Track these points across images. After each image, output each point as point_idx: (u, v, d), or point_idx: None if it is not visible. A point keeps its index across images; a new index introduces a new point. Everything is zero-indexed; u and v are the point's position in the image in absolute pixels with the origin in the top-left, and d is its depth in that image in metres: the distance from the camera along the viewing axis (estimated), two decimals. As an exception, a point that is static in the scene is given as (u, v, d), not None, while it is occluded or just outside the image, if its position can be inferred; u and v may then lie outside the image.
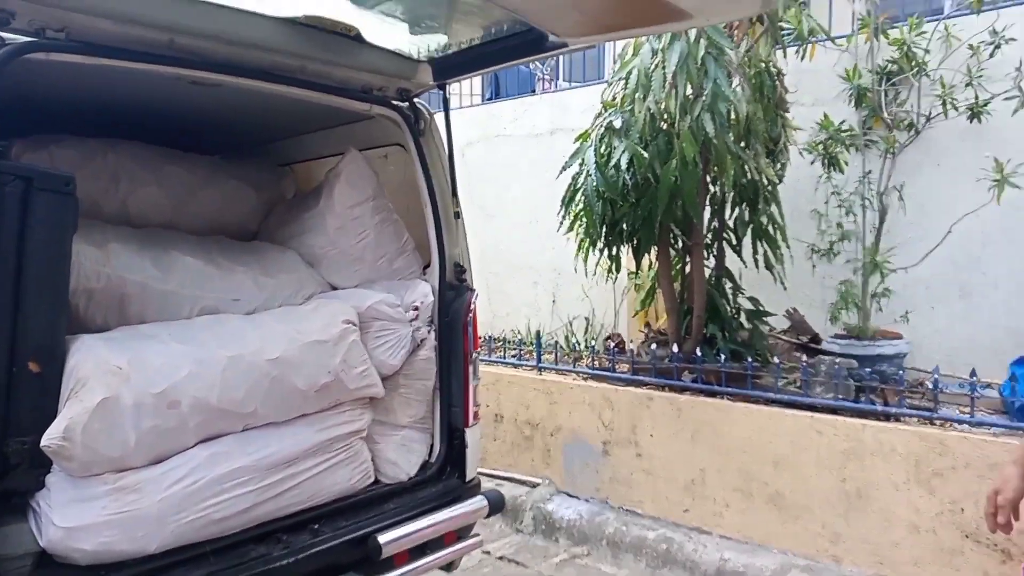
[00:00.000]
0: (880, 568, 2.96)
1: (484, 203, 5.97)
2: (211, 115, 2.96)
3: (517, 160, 5.92)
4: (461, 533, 2.67)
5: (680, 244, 4.06)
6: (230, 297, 2.46)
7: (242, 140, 3.60)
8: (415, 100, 2.82)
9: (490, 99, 6.88)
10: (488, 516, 2.78)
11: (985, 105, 3.72)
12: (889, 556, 2.95)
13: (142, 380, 1.91)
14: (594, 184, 3.43)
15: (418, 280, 2.85)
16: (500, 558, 3.57)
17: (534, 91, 6.71)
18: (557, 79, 6.91)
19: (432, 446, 2.82)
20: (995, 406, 3.25)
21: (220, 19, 2.13)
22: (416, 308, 2.74)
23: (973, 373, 2.97)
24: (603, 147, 3.49)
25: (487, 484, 2.91)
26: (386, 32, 2.50)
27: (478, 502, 2.67)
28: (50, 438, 1.75)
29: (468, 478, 2.79)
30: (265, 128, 3.46)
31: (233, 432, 2.09)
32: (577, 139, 3.79)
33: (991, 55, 3.72)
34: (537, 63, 6.64)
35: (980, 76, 3.74)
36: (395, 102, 2.74)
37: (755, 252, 3.92)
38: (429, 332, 2.78)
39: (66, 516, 1.81)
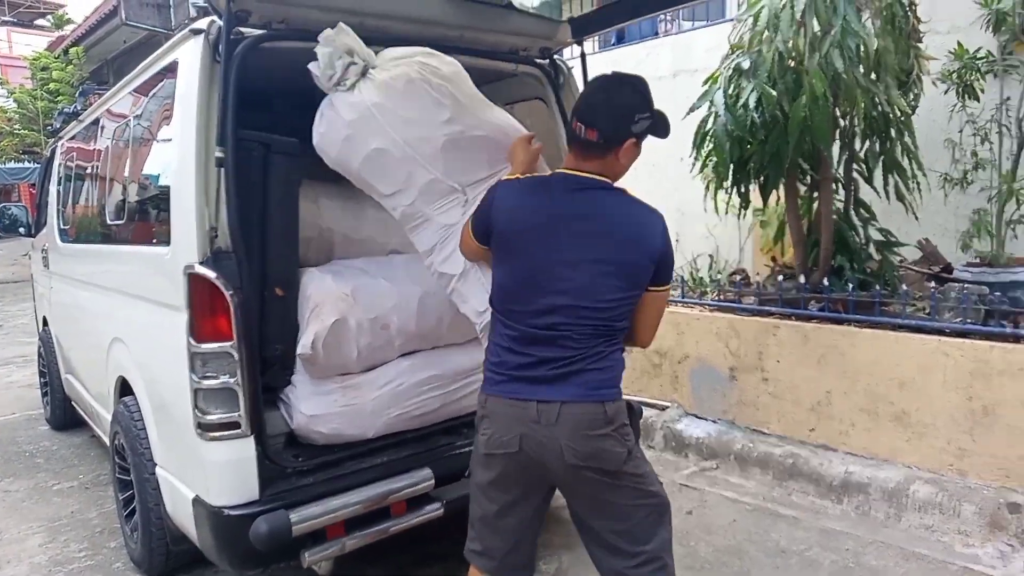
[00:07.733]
0: (1007, 481, 3.09)
1: (608, 147, 6.16)
2: None
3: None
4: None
5: (809, 179, 4.16)
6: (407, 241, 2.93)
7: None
8: (555, 57, 3.14)
9: (614, 44, 6.98)
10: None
11: None
12: (1016, 469, 3.07)
13: (362, 307, 2.43)
14: (724, 124, 3.61)
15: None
16: (635, 469, 3.96)
17: (657, 33, 6.74)
18: (679, 19, 6.88)
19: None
20: None
21: (398, 1, 2.53)
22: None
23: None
24: (732, 88, 3.66)
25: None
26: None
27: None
28: (303, 347, 2.29)
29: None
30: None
31: (425, 349, 2.57)
32: (705, 82, 3.96)
33: None
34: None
35: None
36: (537, 60, 3.07)
37: (885, 184, 3.97)
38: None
39: (309, 406, 2.37)
